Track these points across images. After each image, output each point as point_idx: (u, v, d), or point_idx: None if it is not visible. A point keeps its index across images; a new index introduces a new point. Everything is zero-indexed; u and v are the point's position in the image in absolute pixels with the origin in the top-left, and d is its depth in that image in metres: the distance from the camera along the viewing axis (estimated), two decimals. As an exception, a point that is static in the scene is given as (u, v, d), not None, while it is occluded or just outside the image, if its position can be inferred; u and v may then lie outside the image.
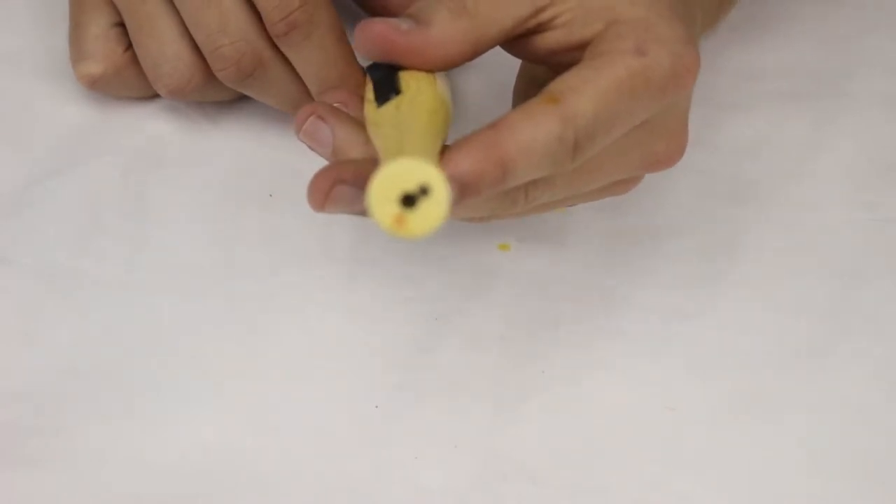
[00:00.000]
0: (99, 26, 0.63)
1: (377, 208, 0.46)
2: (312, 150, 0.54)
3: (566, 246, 0.63)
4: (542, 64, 0.55)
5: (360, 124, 0.53)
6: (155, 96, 0.65)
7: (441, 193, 0.46)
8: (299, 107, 0.59)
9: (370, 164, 0.49)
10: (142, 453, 0.58)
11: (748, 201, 0.65)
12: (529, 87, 0.58)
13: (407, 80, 0.52)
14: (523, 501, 0.57)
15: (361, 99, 0.55)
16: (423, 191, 0.46)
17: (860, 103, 0.68)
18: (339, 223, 0.63)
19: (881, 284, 0.63)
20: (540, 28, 0.54)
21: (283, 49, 0.61)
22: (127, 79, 0.64)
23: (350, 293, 0.62)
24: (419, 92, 0.52)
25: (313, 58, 0.60)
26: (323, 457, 0.58)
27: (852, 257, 0.63)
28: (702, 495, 0.57)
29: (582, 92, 0.50)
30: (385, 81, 0.52)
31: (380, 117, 0.51)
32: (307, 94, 0.62)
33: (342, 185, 0.50)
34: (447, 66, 0.53)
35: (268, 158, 0.65)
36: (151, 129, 0.66)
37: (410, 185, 0.46)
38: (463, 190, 0.48)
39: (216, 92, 0.63)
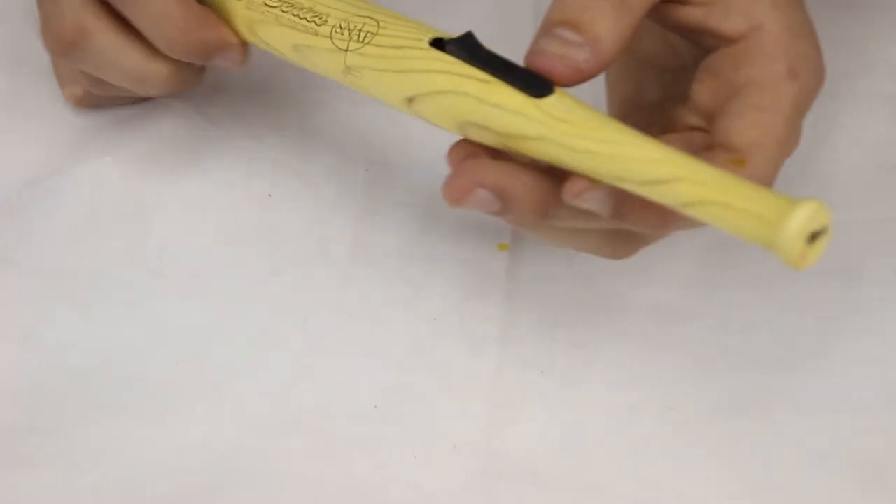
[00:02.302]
0: None
1: (796, 245, 0.47)
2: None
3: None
4: (677, 33, 0.55)
5: (518, 165, 0.52)
6: (145, 99, 0.65)
7: (829, 232, 0.48)
8: (139, 81, 0.59)
9: (512, 176, 0.51)
10: (141, 453, 0.58)
11: (748, 201, 0.65)
12: (632, 109, 0.58)
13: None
14: (523, 501, 0.57)
15: None
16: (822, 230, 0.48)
17: (860, 103, 0.68)
18: (338, 223, 0.63)
19: (881, 284, 0.63)
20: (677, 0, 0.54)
21: (118, 8, 0.59)
22: (107, 91, 0.64)
23: (350, 293, 0.62)
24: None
25: (147, 13, 0.58)
26: (323, 457, 0.58)
27: (852, 257, 0.63)
28: (701, 495, 0.57)
29: (764, 148, 0.52)
30: (529, 73, 0.52)
31: (562, 113, 0.51)
32: (144, 67, 0.60)
33: (482, 189, 0.51)
34: None
35: (267, 158, 0.65)
36: (151, 129, 0.66)
37: (818, 226, 0.48)
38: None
39: (185, 81, 0.62)
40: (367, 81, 0.56)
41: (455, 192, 0.51)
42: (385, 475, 0.57)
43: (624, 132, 0.50)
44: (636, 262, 0.62)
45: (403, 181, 0.65)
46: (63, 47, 0.59)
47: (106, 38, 0.59)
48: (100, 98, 0.65)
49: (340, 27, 0.56)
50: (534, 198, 0.51)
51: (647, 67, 0.57)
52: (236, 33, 0.59)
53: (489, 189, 0.51)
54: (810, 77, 0.53)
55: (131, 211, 0.64)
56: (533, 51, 0.52)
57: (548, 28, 0.52)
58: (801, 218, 0.47)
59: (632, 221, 0.52)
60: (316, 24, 0.57)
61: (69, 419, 0.58)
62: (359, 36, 0.56)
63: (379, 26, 0.56)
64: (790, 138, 0.53)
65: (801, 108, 0.53)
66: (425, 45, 0.54)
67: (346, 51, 0.56)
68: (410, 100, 0.54)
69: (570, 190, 0.51)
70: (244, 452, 0.58)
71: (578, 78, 0.51)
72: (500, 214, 0.52)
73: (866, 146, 0.67)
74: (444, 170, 0.64)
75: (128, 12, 0.59)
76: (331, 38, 0.56)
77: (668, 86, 0.57)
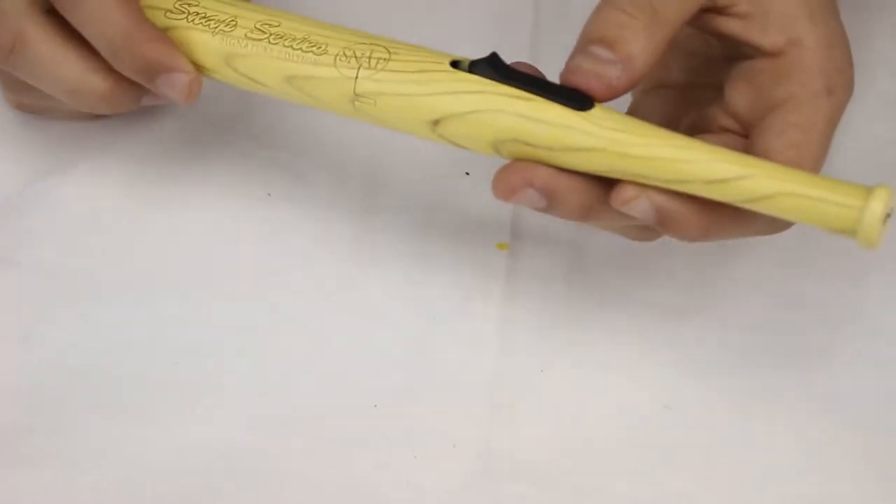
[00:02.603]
0: None
1: (877, 226, 0.51)
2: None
3: (565, 245, 0.63)
4: (715, 38, 0.56)
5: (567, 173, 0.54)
6: (97, 116, 0.64)
7: (894, 214, 0.52)
8: (74, 93, 0.58)
9: (562, 177, 0.53)
10: (141, 453, 0.58)
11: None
12: (656, 87, 0.59)
13: None
14: (523, 501, 0.57)
15: None
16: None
17: (861, 103, 0.68)
18: (338, 223, 0.63)
19: (882, 284, 0.63)
20: (716, 10, 0.55)
21: (62, 13, 0.58)
22: (40, 101, 0.63)
23: (349, 293, 0.62)
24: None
25: (93, 19, 0.57)
26: (323, 456, 0.58)
27: (852, 257, 0.63)
28: (701, 494, 0.57)
29: (801, 168, 0.54)
30: (565, 89, 0.54)
31: (613, 124, 0.53)
32: (81, 79, 0.58)
33: (531, 188, 0.53)
34: None
35: (267, 158, 0.65)
36: (151, 129, 0.66)
37: (890, 209, 0.52)
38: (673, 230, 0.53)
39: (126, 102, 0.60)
40: (382, 108, 0.56)
41: (505, 188, 0.53)
42: (385, 475, 0.57)
43: (679, 137, 0.53)
44: (636, 262, 0.62)
45: (403, 181, 0.65)
46: (2, 54, 0.59)
47: (45, 46, 0.58)
48: (41, 108, 0.64)
49: (345, 55, 0.56)
50: (580, 200, 0.53)
51: (676, 49, 0.58)
52: (203, 69, 0.58)
53: (538, 189, 0.53)
54: (844, 91, 0.55)
55: (131, 211, 0.64)
56: (569, 68, 0.53)
57: (583, 45, 0.53)
58: (881, 201, 0.51)
59: (675, 231, 0.53)
60: (314, 53, 0.56)
61: (69, 419, 0.58)
62: (369, 62, 0.56)
63: (390, 52, 0.56)
64: (824, 154, 0.55)
65: (834, 123, 0.55)
66: (447, 66, 0.55)
67: (356, 78, 0.56)
68: (436, 122, 0.55)
69: (620, 197, 0.52)
70: (244, 452, 0.58)
71: (611, 94, 0.53)
72: (544, 211, 0.53)
73: (866, 146, 0.67)
74: (443, 170, 0.64)
75: (75, 20, 0.58)
76: (335, 66, 0.56)
77: (695, 70, 0.58)
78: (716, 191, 0.52)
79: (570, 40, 0.68)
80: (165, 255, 0.62)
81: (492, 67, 0.55)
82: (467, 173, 0.64)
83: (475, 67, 0.55)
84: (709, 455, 0.58)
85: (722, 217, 0.53)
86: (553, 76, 0.59)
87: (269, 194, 0.64)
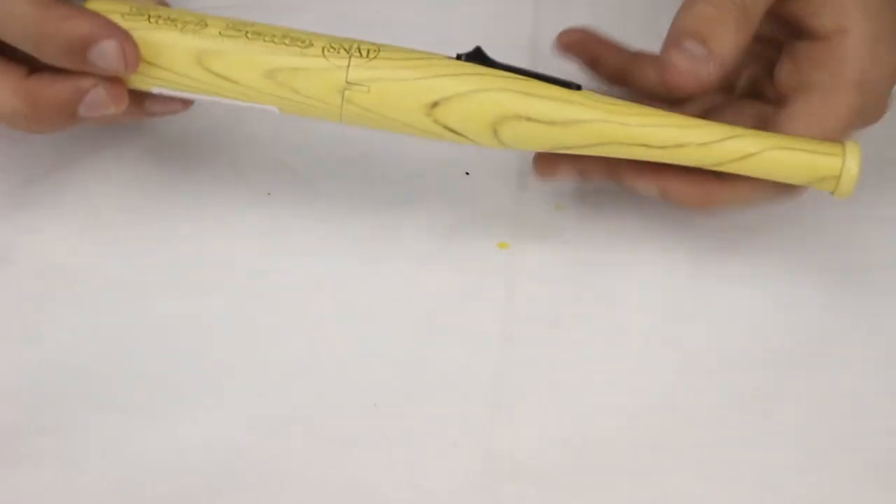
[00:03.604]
0: None
1: (856, 171, 0.57)
2: None
3: (565, 244, 0.63)
4: (769, 17, 0.58)
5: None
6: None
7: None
8: (10, 119, 0.57)
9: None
10: (141, 453, 0.58)
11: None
12: None
13: None
14: (523, 501, 0.57)
15: None
16: None
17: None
18: (337, 222, 0.63)
19: (881, 283, 0.63)
20: None
21: None
22: None
23: (350, 292, 0.62)
24: None
25: (2, 22, 0.55)
26: (323, 456, 0.58)
27: (852, 256, 0.63)
28: (701, 494, 0.57)
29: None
30: (552, 76, 0.57)
31: (606, 100, 0.57)
32: (4, 103, 0.57)
33: (565, 166, 0.60)
34: None
35: (266, 158, 0.65)
36: (150, 128, 0.66)
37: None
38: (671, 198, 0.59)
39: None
40: (376, 94, 0.56)
41: (544, 170, 0.60)
42: (385, 475, 0.57)
43: (666, 110, 0.56)
44: (636, 262, 0.62)
45: (403, 180, 0.65)
46: None
47: None
48: None
49: (332, 47, 0.56)
50: (603, 173, 0.60)
51: None
52: (170, 72, 0.57)
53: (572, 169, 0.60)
54: (877, 84, 0.57)
55: (132, 210, 0.64)
56: (664, 65, 0.56)
57: (676, 38, 0.56)
58: (858, 149, 0.56)
59: (677, 201, 0.59)
60: (300, 46, 0.56)
61: (69, 419, 0.58)
62: (359, 52, 0.56)
63: (379, 46, 0.56)
64: (839, 135, 0.57)
65: (856, 114, 0.57)
66: (441, 56, 0.56)
67: (348, 66, 0.56)
68: (434, 105, 0.56)
69: (630, 182, 0.59)
70: (244, 452, 0.58)
71: (701, 91, 0.56)
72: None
73: (869, 144, 0.66)
74: (443, 170, 0.64)
75: None
76: (324, 56, 0.56)
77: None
78: (709, 151, 0.56)
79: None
80: (165, 255, 0.62)
81: (479, 60, 0.56)
82: (467, 173, 0.64)
83: (463, 59, 0.57)
84: (709, 455, 0.58)
85: (713, 185, 0.57)
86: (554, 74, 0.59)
87: (269, 194, 0.64)
